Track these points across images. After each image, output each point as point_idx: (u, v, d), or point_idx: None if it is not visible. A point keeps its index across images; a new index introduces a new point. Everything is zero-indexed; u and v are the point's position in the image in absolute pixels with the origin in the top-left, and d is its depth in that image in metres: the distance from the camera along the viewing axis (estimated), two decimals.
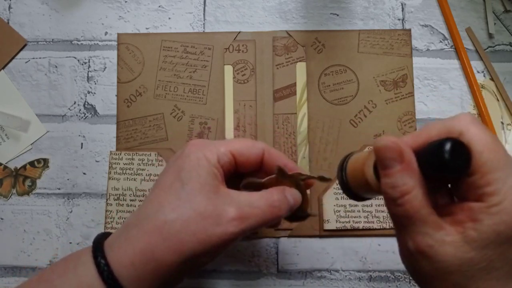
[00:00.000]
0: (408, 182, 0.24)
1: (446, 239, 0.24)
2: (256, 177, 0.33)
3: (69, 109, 0.45)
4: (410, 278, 0.42)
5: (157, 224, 0.28)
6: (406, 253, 0.26)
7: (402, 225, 0.25)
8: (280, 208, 0.30)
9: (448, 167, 0.23)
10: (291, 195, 0.32)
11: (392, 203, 0.25)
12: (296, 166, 0.34)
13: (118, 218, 0.43)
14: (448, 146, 0.22)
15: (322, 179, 0.32)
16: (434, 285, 0.26)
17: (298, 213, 0.34)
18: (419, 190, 0.24)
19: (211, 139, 0.44)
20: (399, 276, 0.42)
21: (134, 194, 0.43)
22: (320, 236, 0.43)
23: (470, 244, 0.24)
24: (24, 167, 0.45)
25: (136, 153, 0.44)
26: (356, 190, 0.28)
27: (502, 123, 0.45)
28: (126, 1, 0.47)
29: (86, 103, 0.45)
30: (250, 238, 0.43)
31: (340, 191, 0.43)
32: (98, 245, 0.29)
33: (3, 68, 0.46)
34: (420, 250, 0.25)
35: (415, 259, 0.25)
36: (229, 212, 0.29)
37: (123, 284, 0.28)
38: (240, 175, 0.34)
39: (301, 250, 0.43)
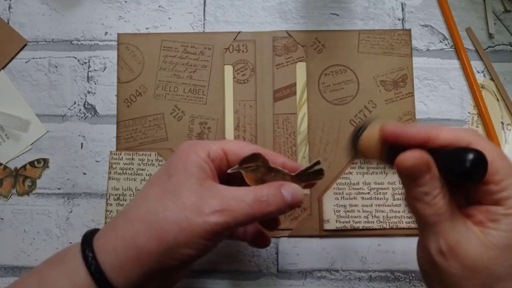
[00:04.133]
0: (437, 185, 0.27)
1: (473, 236, 0.26)
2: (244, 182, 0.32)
3: (69, 109, 0.45)
4: (410, 278, 0.42)
5: (140, 213, 0.29)
6: (435, 254, 0.27)
7: (432, 223, 0.27)
8: (269, 203, 0.30)
9: (470, 175, 0.25)
10: (289, 191, 0.30)
11: (425, 205, 0.27)
12: (295, 164, 0.33)
13: None
14: (471, 156, 0.25)
15: (309, 183, 0.32)
16: (461, 286, 0.26)
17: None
18: (445, 189, 0.27)
19: (211, 139, 0.44)
20: (399, 276, 0.42)
21: (134, 194, 0.43)
22: (320, 236, 0.43)
23: (493, 242, 0.25)
24: (24, 167, 0.45)
25: (136, 153, 0.44)
26: (366, 158, 0.31)
27: (502, 123, 0.45)
28: (126, 1, 0.47)
29: (86, 103, 0.45)
30: None
31: (341, 191, 0.43)
32: (87, 237, 0.30)
33: (3, 68, 0.46)
34: (451, 246, 0.26)
35: (443, 259, 0.26)
36: (212, 204, 0.29)
37: (105, 270, 0.28)
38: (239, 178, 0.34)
39: (301, 250, 0.43)
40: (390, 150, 0.29)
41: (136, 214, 0.30)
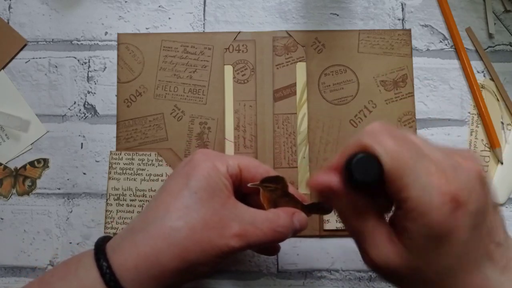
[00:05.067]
0: (346, 206, 0.26)
1: (391, 250, 0.25)
2: (256, 198, 0.33)
3: (69, 109, 0.45)
4: None
5: (163, 230, 0.28)
6: (369, 266, 0.27)
7: (355, 240, 0.28)
8: (283, 234, 0.31)
9: (360, 180, 0.24)
10: (299, 220, 0.32)
11: (344, 223, 0.28)
12: (299, 194, 0.34)
13: (118, 218, 0.43)
14: (354, 160, 0.24)
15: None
16: None
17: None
18: (358, 208, 0.26)
19: (211, 139, 0.44)
20: None
21: (134, 194, 0.43)
22: (320, 236, 0.43)
23: (411, 252, 0.25)
24: (24, 167, 0.45)
25: (136, 153, 0.44)
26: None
27: (502, 123, 0.45)
28: (126, 1, 0.47)
29: (86, 103, 0.45)
30: None
31: None
32: (100, 248, 0.29)
33: (3, 68, 0.46)
34: (372, 263, 0.26)
35: (376, 271, 0.27)
36: (233, 227, 0.29)
37: (124, 287, 0.28)
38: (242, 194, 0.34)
39: (301, 250, 0.43)
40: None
41: (158, 230, 0.29)
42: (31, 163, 0.45)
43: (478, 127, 0.44)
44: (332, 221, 0.42)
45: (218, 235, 0.29)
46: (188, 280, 0.30)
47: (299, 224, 0.32)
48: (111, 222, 0.43)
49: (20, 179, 0.44)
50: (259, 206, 0.33)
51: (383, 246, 0.26)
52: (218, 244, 0.28)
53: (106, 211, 0.43)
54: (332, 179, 0.26)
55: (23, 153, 0.45)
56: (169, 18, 0.47)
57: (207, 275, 0.30)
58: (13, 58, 0.46)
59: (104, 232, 0.43)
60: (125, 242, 0.29)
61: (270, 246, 0.37)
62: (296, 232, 0.32)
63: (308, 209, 0.33)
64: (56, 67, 0.46)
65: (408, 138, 0.25)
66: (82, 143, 0.45)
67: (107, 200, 0.43)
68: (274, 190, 0.33)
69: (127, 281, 0.28)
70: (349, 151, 0.26)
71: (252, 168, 0.32)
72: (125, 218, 0.43)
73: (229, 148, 0.44)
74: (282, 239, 0.31)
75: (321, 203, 0.33)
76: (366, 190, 0.26)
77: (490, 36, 0.46)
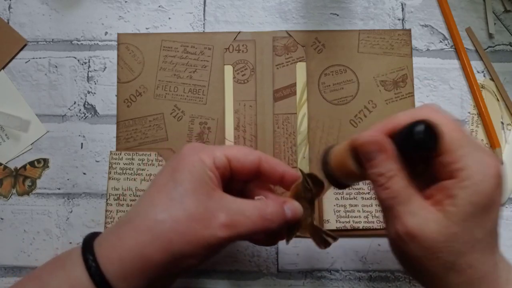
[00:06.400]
0: (392, 167, 0.27)
1: (429, 217, 0.26)
2: (252, 185, 0.33)
3: (69, 109, 0.45)
4: (410, 278, 0.42)
5: (147, 223, 0.29)
6: (396, 238, 0.27)
7: (389, 207, 0.27)
8: (272, 221, 0.30)
9: (421, 145, 0.26)
10: (290, 209, 0.32)
11: (381, 188, 0.27)
12: (295, 173, 0.33)
13: (118, 218, 0.43)
14: (419, 127, 0.25)
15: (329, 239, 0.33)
16: (425, 267, 0.27)
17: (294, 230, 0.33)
18: (402, 172, 0.27)
19: (211, 139, 0.44)
20: (399, 276, 0.42)
21: (134, 194, 0.43)
22: None
23: (451, 219, 0.26)
24: (24, 167, 0.45)
25: (136, 153, 0.44)
26: (341, 180, 0.31)
27: (502, 123, 0.45)
28: (126, 1, 0.47)
29: (86, 103, 0.46)
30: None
31: (341, 191, 0.43)
32: (88, 242, 0.30)
33: (3, 68, 0.46)
34: (408, 230, 0.26)
35: (404, 243, 0.27)
36: (219, 217, 0.29)
37: (109, 280, 0.28)
38: (240, 182, 0.34)
39: (301, 250, 0.43)
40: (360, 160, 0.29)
41: (142, 223, 0.29)
42: (31, 163, 0.45)
43: (478, 127, 0.44)
44: (332, 221, 0.42)
45: (203, 226, 0.28)
46: (176, 273, 0.30)
47: (291, 212, 0.31)
48: (111, 222, 0.43)
49: (20, 179, 0.44)
50: (253, 197, 0.33)
51: (422, 212, 0.26)
52: (204, 235, 0.28)
53: (106, 211, 0.43)
54: (385, 138, 0.27)
55: (23, 153, 0.45)
56: (169, 18, 0.47)
57: (195, 267, 0.30)
58: (13, 58, 0.46)
59: None
60: (111, 235, 0.30)
61: (267, 236, 0.36)
62: (290, 222, 0.32)
63: (315, 230, 0.33)
64: (56, 67, 0.46)
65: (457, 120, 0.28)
66: (82, 143, 0.45)
67: (107, 200, 0.43)
68: (308, 190, 0.32)
69: (112, 273, 0.28)
70: (400, 120, 0.27)
71: (241, 156, 0.32)
72: None
73: None
74: (273, 228, 0.31)
75: (326, 233, 0.33)
76: (415, 157, 0.28)
77: (490, 36, 0.46)
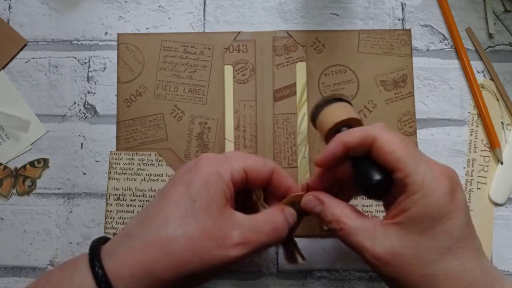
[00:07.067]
0: (335, 211, 0.30)
1: (389, 233, 0.27)
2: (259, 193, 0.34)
3: (69, 109, 0.45)
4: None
5: (160, 239, 0.28)
6: (371, 266, 0.29)
7: (350, 243, 0.29)
8: (283, 231, 0.31)
9: (373, 197, 0.30)
10: (290, 215, 0.32)
11: (335, 231, 0.30)
12: (299, 189, 0.34)
13: (118, 218, 0.43)
14: (374, 181, 0.28)
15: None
16: (407, 284, 0.27)
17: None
18: (347, 209, 0.30)
19: (211, 139, 0.44)
20: None
21: (134, 194, 0.43)
22: (320, 236, 0.43)
23: (408, 230, 0.27)
24: (24, 167, 0.45)
25: (136, 153, 0.44)
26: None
27: (502, 123, 0.45)
28: (126, 1, 0.47)
29: (86, 103, 0.45)
30: None
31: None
32: (95, 253, 0.29)
33: (3, 68, 0.46)
34: (375, 256, 0.28)
35: (378, 268, 0.28)
36: (234, 236, 0.29)
37: None
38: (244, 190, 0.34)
39: (301, 250, 0.43)
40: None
41: (155, 238, 0.28)
42: (31, 163, 0.45)
43: (478, 127, 0.44)
44: None
45: (217, 245, 0.28)
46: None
47: (291, 219, 0.32)
48: (111, 222, 0.43)
49: (20, 179, 0.44)
50: (244, 198, 0.34)
51: (381, 234, 0.28)
52: (217, 255, 0.28)
53: (106, 211, 0.43)
54: (320, 193, 0.32)
55: (23, 153, 0.45)
56: (169, 18, 0.47)
57: (205, 283, 0.30)
58: (13, 58, 0.46)
59: (104, 232, 0.43)
60: (121, 248, 0.29)
61: None
62: (290, 229, 0.32)
63: (291, 243, 0.35)
64: (56, 67, 0.46)
65: (405, 137, 0.30)
66: (82, 143, 0.45)
67: (107, 200, 0.43)
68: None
69: None
70: (353, 138, 0.29)
71: (257, 168, 0.32)
72: (125, 218, 0.43)
73: (229, 148, 0.44)
74: (282, 237, 0.31)
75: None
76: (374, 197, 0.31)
77: (490, 36, 0.46)
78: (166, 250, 0.28)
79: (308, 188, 0.33)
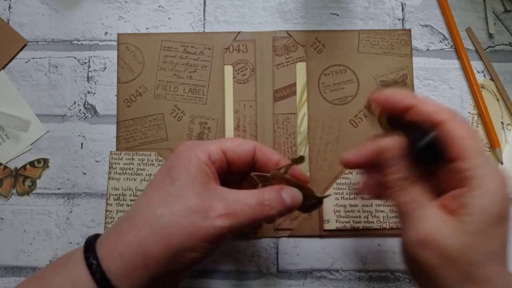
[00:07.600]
0: (413, 173, 0.28)
1: (445, 224, 0.26)
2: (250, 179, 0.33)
3: (69, 109, 0.45)
4: (410, 278, 0.42)
5: (146, 218, 0.29)
6: (411, 245, 0.27)
7: (407, 212, 0.28)
8: (271, 207, 0.30)
9: (423, 156, 0.28)
10: (289, 194, 0.31)
11: (401, 193, 0.28)
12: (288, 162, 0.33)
13: (118, 218, 0.43)
14: (424, 138, 0.27)
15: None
16: (438, 277, 0.26)
17: (308, 203, 0.33)
18: (416, 179, 0.28)
19: (211, 139, 0.44)
20: (399, 276, 0.42)
21: (134, 194, 0.43)
22: (320, 236, 0.43)
23: (466, 228, 0.25)
24: (24, 167, 0.45)
25: (136, 153, 0.44)
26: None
27: (502, 123, 0.45)
28: (126, 1, 0.47)
29: (86, 103, 0.46)
30: (250, 238, 0.43)
31: (341, 190, 0.43)
32: (90, 242, 0.30)
33: (3, 68, 0.46)
34: (424, 235, 0.26)
35: (419, 249, 0.26)
36: (217, 208, 0.29)
37: (110, 278, 0.28)
38: (238, 174, 0.34)
39: (301, 250, 0.43)
40: (387, 118, 0.31)
41: (141, 219, 0.29)
42: (31, 163, 0.45)
43: (478, 127, 0.44)
44: (332, 221, 0.42)
45: (202, 217, 0.28)
46: (178, 270, 0.30)
47: (290, 199, 0.31)
48: (111, 222, 0.43)
49: (20, 179, 0.44)
50: (254, 187, 0.33)
51: (438, 219, 0.26)
52: (203, 226, 0.28)
53: (106, 211, 0.43)
54: (396, 143, 0.28)
55: (23, 153, 0.45)
56: (169, 18, 0.47)
57: (197, 263, 0.30)
58: (13, 58, 0.46)
59: None
60: (111, 233, 0.30)
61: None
62: (291, 209, 0.32)
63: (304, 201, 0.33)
64: (56, 67, 0.46)
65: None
66: (82, 143, 0.45)
67: (107, 200, 0.43)
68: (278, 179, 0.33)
69: (114, 271, 0.28)
70: (421, 113, 0.28)
71: (236, 147, 0.32)
72: None
73: None
74: (273, 214, 0.31)
75: (318, 197, 0.34)
76: (425, 164, 0.28)
77: (490, 36, 0.46)
78: (153, 228, 0.28)
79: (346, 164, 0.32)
